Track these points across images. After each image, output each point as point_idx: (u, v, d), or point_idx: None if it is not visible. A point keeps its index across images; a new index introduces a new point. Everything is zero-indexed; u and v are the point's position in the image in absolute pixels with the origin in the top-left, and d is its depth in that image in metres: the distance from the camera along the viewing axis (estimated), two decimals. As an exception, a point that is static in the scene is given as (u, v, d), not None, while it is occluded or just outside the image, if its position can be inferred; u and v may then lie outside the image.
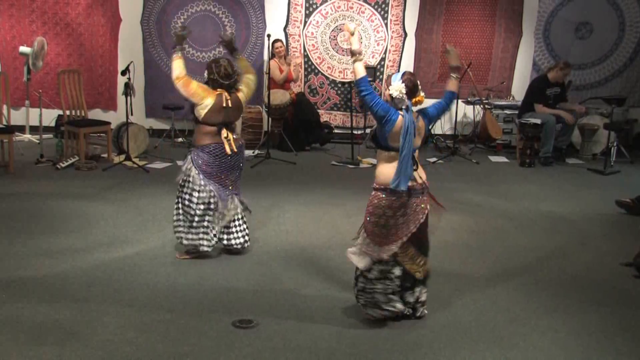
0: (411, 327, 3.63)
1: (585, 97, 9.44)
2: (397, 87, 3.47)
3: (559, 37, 9.44)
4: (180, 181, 4.48)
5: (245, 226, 4.65)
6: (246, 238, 4.64)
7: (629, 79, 9.52)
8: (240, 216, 4.61)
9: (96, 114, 9.00)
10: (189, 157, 4.47)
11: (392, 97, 3.49)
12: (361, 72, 3.49)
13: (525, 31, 9.43)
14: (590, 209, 6.20)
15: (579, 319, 3.82)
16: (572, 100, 8.97)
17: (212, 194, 4.42)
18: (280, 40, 8.75)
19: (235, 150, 4.44)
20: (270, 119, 8.52)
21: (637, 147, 9.13)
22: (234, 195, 4.54)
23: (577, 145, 8.94)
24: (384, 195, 3.51)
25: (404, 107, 3.47)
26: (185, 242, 4.49)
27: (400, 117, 3.45)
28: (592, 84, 9.60)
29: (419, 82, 3.60)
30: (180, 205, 4.48)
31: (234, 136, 4.49)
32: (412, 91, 3.50)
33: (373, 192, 3.56)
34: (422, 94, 3.56)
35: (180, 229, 4.49)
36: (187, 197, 4.43)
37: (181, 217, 4.48)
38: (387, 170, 3.50)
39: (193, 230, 4.46)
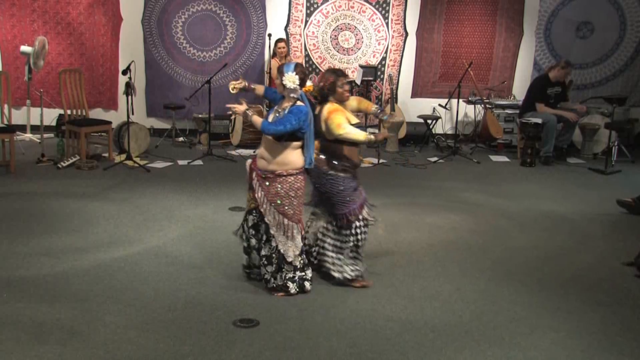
0: (412, 327, 3.63)
1: (586, 96, 9.44)
2: (291, 78, 3.76)
3: (560, 36, 9.43)
4: None
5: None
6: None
7: (629, 78, 9.51)
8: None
9: (97, 113, 9.00)
10: None
11: (285, 86, 3.77)
12: (258, 122, 3.76)
13: (526, 30, 9.42)
14: (591, 209, 6.20)
15: (580, 318, 3.82)
16: (573, 99, 8.96)
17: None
18: (284, 40, 8.73)
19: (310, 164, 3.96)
20: (271, 118, 8.51)
21: (638, 146, 9.12)
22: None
23: (578, 144, 8.93)
24: (302, 177, 3.90)
25: (296, 95, 3.77)
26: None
27: (306, 109, 3.77)
28: (593, 84, 9.59)
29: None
30: None
31: (318, 153, 4.05)
32: (303, 81, 3.84)
33: (291, 178, 3.83)
34: (309, 83, 3.86)
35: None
36: None
37: None
38: (298, 156, 3.84)
39: None
